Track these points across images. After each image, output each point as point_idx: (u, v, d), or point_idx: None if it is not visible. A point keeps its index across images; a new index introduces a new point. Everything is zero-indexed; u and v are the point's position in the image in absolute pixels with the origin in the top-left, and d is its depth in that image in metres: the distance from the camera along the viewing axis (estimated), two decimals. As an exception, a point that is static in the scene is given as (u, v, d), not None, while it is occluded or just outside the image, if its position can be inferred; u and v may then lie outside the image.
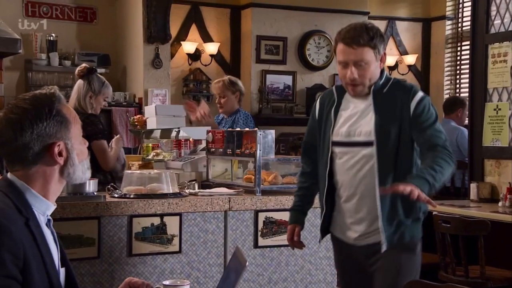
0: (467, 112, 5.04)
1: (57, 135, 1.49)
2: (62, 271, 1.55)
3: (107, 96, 3.73)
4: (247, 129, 3.43)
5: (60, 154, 1.50)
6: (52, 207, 1.54)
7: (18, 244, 1.36)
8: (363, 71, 2.23)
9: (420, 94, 2.29)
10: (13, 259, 1.35)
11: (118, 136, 3.84)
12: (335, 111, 2.34)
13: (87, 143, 1.62)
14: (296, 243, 2.43)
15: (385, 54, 2.30)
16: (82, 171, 1.55)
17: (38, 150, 1.47)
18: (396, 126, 2.23)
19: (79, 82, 3.66)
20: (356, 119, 2.30)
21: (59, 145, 1.49)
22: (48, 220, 1.53)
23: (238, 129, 3.59)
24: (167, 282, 1.67)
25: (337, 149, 2.30)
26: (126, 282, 1.65)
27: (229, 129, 3.76)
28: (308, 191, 2.48)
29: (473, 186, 4.30)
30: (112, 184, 3.13)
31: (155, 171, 3.20)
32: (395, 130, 2.23)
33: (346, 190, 2.29)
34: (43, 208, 1.51)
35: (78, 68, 3.73)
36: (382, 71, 2.31)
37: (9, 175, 1.52)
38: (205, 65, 6.57)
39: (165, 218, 2.90)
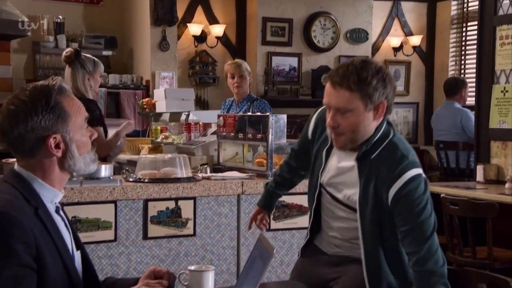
0: (468, 91, 5.08)
1: (53, 128, 1.50)
2: (77, 254, 1.59)
3: (101, 72, 3.68)
4: (258, 113, 3.46)
5: (57, 146, 1.51)
6: (60, 194, 1.57)
7: (29, 234, 1.39)
8: (345, 120, 1.84)
9: (406, 176, 1.80)
10: (26, 249, 1.38)
11: (128, 121, 3.81)
12: (326, 152, 1.99)
13: (95, 135, 1.62)
14: (258, 225, 2.39)
15: (383, 104, 1.84)
16: (84, 163, 1.56)
17: (34, 142, 1.50)
18: (378, 204, 1.86)
19: (70, 69, 3.53)
20: (341, 175, 1.95)
21: (55, 137, 1.50)
22: (57, 207, 1.57)
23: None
24: (192, 268, 1.72)
25: (324, 192, 2.01)
26: (150, 271, 1.69)
27: (240, 114, 3.80)
28: (288, 182, 2.36)
29: (479, 168, 4.34)
30: (126, 168, 3.17)
31: (169, 155, 3.24)
32: (377, 207, 1.87)
33: (331, 230, 2.03)
34: (51, 196, 1.54)
35: (64, 54, 3.56)
36: (378, 127, 1.88)
37: (15, 166, 1.55)
38: (211, 47, 6.57)
39: (180, 202, 2.95)
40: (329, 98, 1.86)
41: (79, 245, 1.63)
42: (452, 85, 5.69)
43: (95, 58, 3.66)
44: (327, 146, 2.00)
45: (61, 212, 1.59)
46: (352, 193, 1.92)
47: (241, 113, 4.00)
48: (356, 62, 1.84)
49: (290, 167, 2.32)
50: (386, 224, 1.88)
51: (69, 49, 3.70)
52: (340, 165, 1.96)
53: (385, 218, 1.87)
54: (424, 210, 1.81)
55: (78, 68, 3.51)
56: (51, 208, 1.54)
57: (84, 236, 2.75)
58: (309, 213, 2.13)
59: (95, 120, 3.52)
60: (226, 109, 4.46)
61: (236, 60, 4.57)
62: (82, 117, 1.57)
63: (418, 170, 1.84)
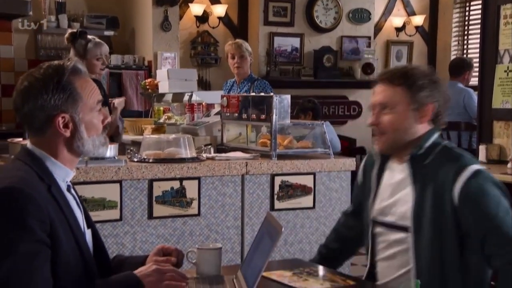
0: (472, 73, 5.06)
1: (63, 107, 1.51)
2: (88, 232, 1.62)
3: (97, 55, 3.64)
4: (262, 93, 3.46)
5: (66, 126, 1.53)
6: (71, 173, 1.59)
7: (43, 210, 1.41)
8: (387, 118, 1.76)
9: (469, 170, 1.68)
10: (40, 224, 1.40)
11: (119, 100, 3.83)
12: (378, 174, 1.86)
13: (108, 118, 1.63)
14: None
15: (429, 106, 1.77)
16: (93, 145, 1.57)
17: (43, 120, 1.52)
18: (437, 214, 1.69)
19: (71, 50, 3.66)
20: (395, 193, 1.80)
21: (64, 117, 1.52)
22: (68, 185, 1.59)
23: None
24: (200, 246, 1.74)
25: (377, 228, 1.85)
26: (158, 248, 1.72)
27: (244, 94, 3.79)
28: (335, 254, 2.06)
29: (481, 148, 4.35)
30: (130, 148, 3.19)
31: (173, 135, 3.25)
32: (437, 218, 1.69)
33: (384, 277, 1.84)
34: (63, 175, 1.56)
35: (65, 36, 3.71)
36: (429, 132, 1.79)
37: (28, 144, 1.57)
38: (213, 28, 6.54)
39: (184, 182, 2.97)
40: (373, 97, 1.82)
41: (90, 223, 1.65)
42: (457, 66, 5.67)
43: (92, 40, 3.63)
44: (377, 167, 1.86)
45: (72, 191, 1.61)
46: (406, 208, 1.75)
47: (242, 94, 4.01)
48: (408, 65, 1.87)
49: (340, 235, 2.04)
50: (448, 243, 1.68)
51: (69, 30, 3.74)
52: (393, 181, 1.81)
53: (447, 234, 1.67)
54: (500, 205, 1.65)
55: (74, 51, 3.58)
56: (63, 187, 1.56)
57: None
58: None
59: None
60: (227, 90, 4.46)
61: (237, 40, 4.54)
62: (94, 100, 1.58)
63: (481, 167, 1.72)
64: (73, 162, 1.59)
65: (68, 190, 1.58)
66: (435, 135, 1.80)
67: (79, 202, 1.62)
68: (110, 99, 3.90)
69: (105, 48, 3.73)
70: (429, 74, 1.80)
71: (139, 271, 1.53)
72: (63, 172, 1.56)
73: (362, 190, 1.93)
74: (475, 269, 1.72)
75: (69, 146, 1.55)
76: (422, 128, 1.78)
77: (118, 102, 3.79)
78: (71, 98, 1.52)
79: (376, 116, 1.79)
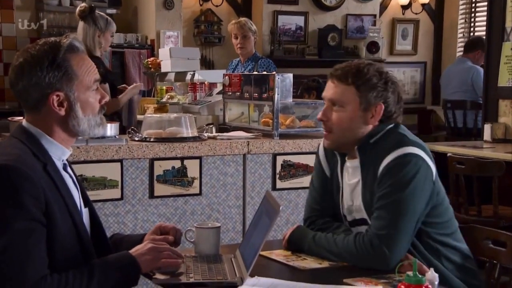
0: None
1: (57, 85, 1.48)
2: (85, 211, 1.60)
3: (112, 32, 3.71)
4: (264, 72, 3.43)
5: (61, 104, 1.50)
6: (67, 152, 1.57)
7: (39, 188, 1.40)
8: (336, 115, 1.75)
9: (402, 151, 1.67)
10: (35, 203, 1.39)
11: (135, 85, 3.83)
12: (341, 174, 1.83)
13: (106, 98, 1.59)
14: None
15: (380, 106, 1.74)
16: (88, 125, 1.54)
17: (37, 98, 1.49)
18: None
19: (82, 24, 3.63)
20: (350, 191, 1.81)
21: (58, 95, 1.49)
22: (64, 164, 1.57)
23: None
24: (198, 225, 1.73)
25: (348, 225, 1.85)
26: (156, 227, 1.71)
27: (246, 73, 3.76)
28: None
29: (487, 127, 4.31)
30: (132, 127, 3.17)
31: (175, 114, 3.23)
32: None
33: None
34: (59, 153, 1.54)
35: (78, 9, 3.70)
36: (379, 127, 1.77)
37: (24, 122, 1.54)
38: (216, 6, 6.48)
39: (186, 161, 2.96)
40: (325, 92, 1.80)
41: (87, 201, 1.64)
42: (472, 42, 5.63)
43: (108, 17, 3.69)
44: (339, 165, 1.83)
45: (69, 169, 1.59)
46: (360, 201, 1.76)
47: (245, 73, 3.97)
48: (360, 61, 1.79)
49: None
50: None
51: (83, 4, 3.74)
52: (351, 182, 1.79)
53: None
54: (407, 188, 1.63)
55: (90, 24, 3.59)
56: (59, 165, 1.54)
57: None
58: None
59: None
60: (232, 70, 4.44)
61: (240, 19, 4.46)
62: (91, 78, 1.54)
63: (419, 152, 1.68)
64: (69, 141, 1.57)
65: (65, 169, 1.56)
66: (388, 126, 1.77)
67: (75, 180, 1.60)
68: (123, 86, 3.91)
69: (115, 26, 3.80)
70: (381, 72, 1.76)
71: (135, 249, 1.53)
72: (59, 151, 1.54)
73: (331, 183, 1.87)
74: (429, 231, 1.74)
75: (64, 125, 1.52)
76: (369, 128, 1.77)
77: (134, 86, 3.78)
78: (66, 76, 1.49)
79: (324, 112, 1.78)
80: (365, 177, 1.75)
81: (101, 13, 3.72)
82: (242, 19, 4.42)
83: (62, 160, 1.56)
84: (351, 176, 1.80)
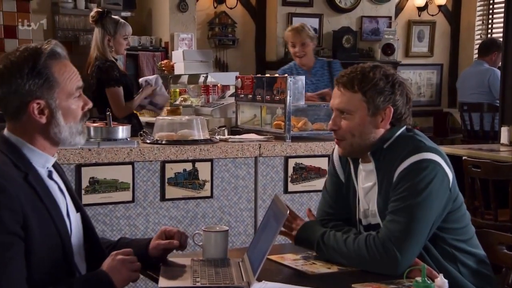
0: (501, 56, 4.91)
1: (37, 93, 1.44)
2: (77, 216, 1.58)
3: (125, 34, 3.69)
4: (276, 74, 3.41)
5: (41, 112, 1.46)
6: (52, 159, 1.53)
7: (15, 200, 1.36)
8: (345, 123, 1.73)
9: (418, 156, 1.65)
10: (12, 215, 1.36)
11: (148, 86, 3.83)
12: (355, 178, 1.81)
13: (89, 104, 1.54)
14: None
15: (389, 109, 1.71)
16: (70, 133, 1.50)
17: (17, 106, 1.45)
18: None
19: (95, 29, 3.66)
20: (364, 195, 1.79)
21: (39, 103, 1.45)
22: (50, 171, 1.53)
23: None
24: (206, 228, 1.72)
25: (361, 230, 1.82)
26: (161, 231, 1.69)
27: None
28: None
29: (503, 130, 4.24)
30: (144, 130, 3.17)
31: (186, 117, 3.23)
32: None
33: None
34: (42, 161, 1.50)
35: (90, 15, 3.73)
36: (391, 130, 1.75)
37: (5, 132, 1.51)
38: (231, 8, 6.47)
39: (197, 164, 2.95)
40: (333, 100, 1.78)
41: (79, 207, 1.61)
42: (486, 45, 5.54)
43: (120, 20, 3.70)
44: (353, 169, 1.81)
45: (55, 177, 1.55)
46: (374, 208, 1.74)
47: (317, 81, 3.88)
48: (366, 65, 1.76)
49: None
50: None
51: (95, 9, 3.77)
52: (365, 185, 1.77)
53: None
54: (422, 193, 1.61)
55: (100, 29, 3.60)
56: (43, 173, 1.50)
57: (102, 197, 2.78)
58: None
59: (112, 80, 3.54)
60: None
61: (297, 25, 4.01)
62: (73, 85, 1.50)
63: (437, 158, 1.66)
64: (51, 149, 1.52)
65: (50, 176, 1.53)
66: (401, 130, 1.75)
67: (63, 188, 1.56)
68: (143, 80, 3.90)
69: (130, 28, 3.78)
70: (388, 75, 1.73)
71: (106, 265, 1.50)
72: (43, 159, 1.50)
73: (347, 187, 1.86)
74: (445, 237, 1.72)
75: (45, 133, 1.49)
76: (381, 131, 1.75)
77: (146, 88, 3.79)
78: (47, 83, 1.45)
79: (334, 121, 1.77)
80: (380, 182, 1.73)
81: (114, 17, 3.71)
82: (299, 25, 4.03)
83: (47, 168, 1.52)
84: (364, 180, 1.78)
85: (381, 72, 1.73)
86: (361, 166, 1.79)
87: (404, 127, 1.77)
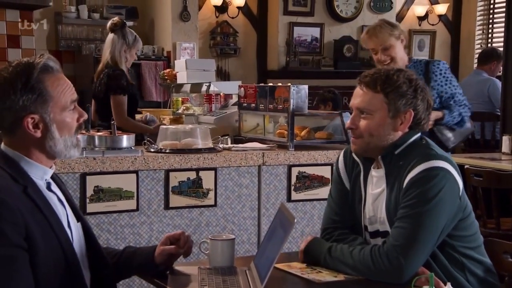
0: (501, 66, 4.94)
1: (31, 108, 1.45)
2: (78, 226, 1.59)
3: (138, 49, 3.78)
4: (279, 83, 3.42)
5: (36, 126, 1.47)
6: (50, 171, 1.54)
7: (16, 213, 1.37)
8: (365, 122, 1.74)
9: (429, 164, 1.65)
10: (14, 227, 1.36)
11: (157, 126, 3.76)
12: (364, 184, 1.81)
13: (84, 116, 1.55)
14: None
15: (410, 113, 1.72)
16: (64, 146, 1.51)
17: (12, 121, 1.46)
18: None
19: (112, 36, 3.68)
20: (372, 200, 1.79)
21: (33, 118, 1.46)
22: (48, 183, 1.54)
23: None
24: (213, 236, 1.73)
25: (368, 236, 1.82)
26: (166, 237, 1.70)
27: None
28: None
29: (505, 139, 4.26)
30: (148, 139, 3.18)
31: (190, 126, 3.24)
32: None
33: None
34: (40, 173, 1.51)
35: (111, 22, 3.75)
36: (406, 135, 1.75)
37: (1, 146, 1.52)
38: (232, 18, 6.51)
39: (201, 173, 2.96)
40: (353, 99, 1.79)
41: (79, 216, 1.61)
42: (486, 55, 5.56)
43: (136, 35, 3.76)
44: (362, 174, 1.81)
45: (54, 188, 1.55)
46: (382, 215, 1.73)
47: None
48: (390, 67, 1.78)
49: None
50: None
51: (116, 18, 3.80)
52: (374, 192, 1.77)
53: None
54: (431, 201, 1.60)
55: (119, 38, 3.65)
56: (42, 185, 1.51)
57: (106, 206, 2.79)
58: None
59: (119, 89, 3.57)
60: None
61: (373, 25, 3.11)
62: (67, 98, 1.50)
63: (448, 166, 1.65)
64: (48, 162, 1.54)
65: (49, 187, 1.53)
66: (414, 137, 1.76)
67: (62, 198, 1.57)
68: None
69: (141, 44, 3.86)
70: (411, 80, 1.74)
71: None
72: (40, 171, 1.51)
73: (353, 194, 1.86)
74: (453, 244, 1.72)
75: (41, 146, 1.50)
76: (398, 134, 1.75)
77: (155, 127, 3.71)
78: (40, 98, 1.46)
79: (353, 120, 1.77)
80: (390, 188, 1.73)
81: (131, 30, 3.78)
82: (377, 23, 3.10)
83: (46, 180, 1.53)
84: (375, 186, 1.78)
85: (405, 76, 1.74)
86: (372, 172, 1.79)
87: (418, 135, 1.78)
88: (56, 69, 1.51)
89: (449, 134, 3.14)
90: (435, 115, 2.95)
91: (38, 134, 1.48)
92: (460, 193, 1.70)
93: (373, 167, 1.80)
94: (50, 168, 1.54)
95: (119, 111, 3.57)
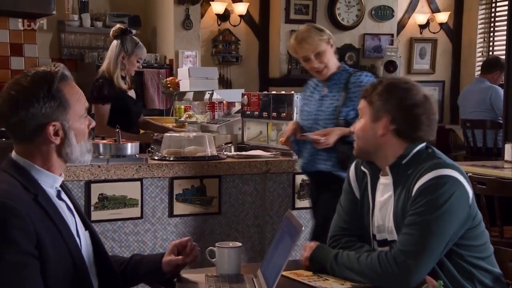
0: (503, 77, 4.95)
1: (53, 115, 1.49)
2: (86, 234, 1.60)
3: (140, 57, 3.73)
4: (283, 91, 3.43)
5: (56, 134, 1.51)
6: (59, 179, 1.56)
7: (27, 221, 1.38)
8: (357, 125, 1.84)
9: (438, 172, 1.66)
10: (25, 235, 1.38)
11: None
12: (372, 192, 1.83)
13: (93, 123, 1.60)
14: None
15: (385, 117, 1.74)
16: (80, 152, 1.55)
17: (34, 129, 1.49)
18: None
19: (113, 42, 3.68)
20: (379, 208, 1.80)
21: (54, 125, 1.50)
22: (58, 191, 1.56)
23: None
24: (220, 244, 1.73)
25: (376, 245, 1.83)
26: (173, 246, 1.71)
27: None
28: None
29: (507, 147, 4.25)
30: (152, 146, 3.19)
31: (194, 134, 3.25)
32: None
33: None
34: (50, 182, 1.53)
35: (112, 29, 3.76)
36: (409, 146, 1.76)
37: (13, 154, 1.54)
38: (234, 26, 6.53)
39: (205, 180, 2.96)
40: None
41: (87, 224, 1.63)
42: (490, 63, 5.56)
43: (139, 42, 3.72)
44: (370, 184, 1.83)
45: (63, 196, 1.58)
46: (390, 224, 1.75)
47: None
48: (381, 80, 1.85)
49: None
50: None
51: (118, 25, 3.78)
52: (382, 199, 1.79)
53: None
54: (440, 209, 1.61)
55: (118, 45, 3.62)
56: (52, 194, 1.53)
57: (111, 213, 2.80)
58: None
59: (99, 98, 3.51)
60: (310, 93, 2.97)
61: (301, 30, 2.82)
62: (82, 106, 1.56)
63: (457, 174, 1.66)
64: (60, 168, 1.56)
65: (59, 196, 1.55)
66: (418, 147, 1.77)
67: (71, 206, 1.59)
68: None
69: (146, 52, 3.82)
70: (392, 83, 1.79)
71: None
72: (51, 179, 1.53)
73: (362, 203, 1.87)
74: (460, 253, 1.73)
75: (58, 153, 1.53)
76: (388, 142, 1.77)
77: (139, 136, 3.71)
78: (61, 106, 1.50)
79: (354, 124, 1.92)
80: (397, 196, 1.74)
81: (134, 37, 3.75)
82: (304, 28, 2.81)
83: (56, 188, 1.55)
84: (381, 192, 1.80)
85: (390, 82, 1.81)
86: (381, 179, 1.81)
87: (423, 144, 1.79)
88: (70, 77, 1.55)
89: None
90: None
91: (58, 141, 1.51)
92: (470, 201, 1.71)
93: (381, 174, 1.82)
94: (60, 176, 1.56)
95: (98, 120, 3.49)
